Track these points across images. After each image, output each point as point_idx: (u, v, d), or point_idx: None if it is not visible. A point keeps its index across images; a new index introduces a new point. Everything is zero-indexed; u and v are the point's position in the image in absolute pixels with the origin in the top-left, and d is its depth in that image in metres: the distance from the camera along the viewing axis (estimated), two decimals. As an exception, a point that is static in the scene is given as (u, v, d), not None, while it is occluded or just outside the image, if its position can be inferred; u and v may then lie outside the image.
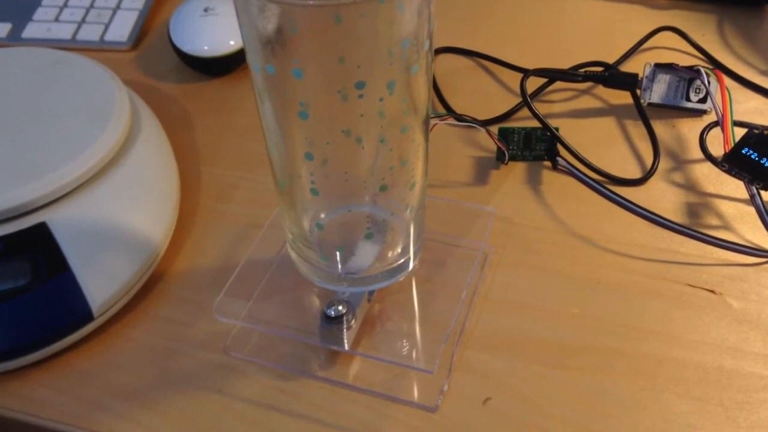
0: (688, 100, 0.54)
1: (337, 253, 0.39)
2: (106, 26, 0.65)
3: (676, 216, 0.48)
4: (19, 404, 0.40)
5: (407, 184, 0.37)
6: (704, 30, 0.62)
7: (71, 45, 0.63)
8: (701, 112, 0.54)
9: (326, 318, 0.39)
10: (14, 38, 0.64)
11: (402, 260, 0.40)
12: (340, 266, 0.39)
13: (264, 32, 0.31)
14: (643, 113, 0.54)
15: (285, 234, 0.41)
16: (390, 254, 0.40)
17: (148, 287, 0.44)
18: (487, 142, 0.53)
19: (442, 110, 0.56)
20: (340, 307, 0.39)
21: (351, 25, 0.31)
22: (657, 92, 0.54)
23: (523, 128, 0.51)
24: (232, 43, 0.59)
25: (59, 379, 0.41)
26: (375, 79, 0.32)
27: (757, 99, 0.56)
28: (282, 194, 0.38)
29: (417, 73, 0.33)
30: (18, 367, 0.41)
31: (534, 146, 0.51)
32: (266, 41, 0.32)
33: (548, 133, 0.51)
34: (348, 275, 0.40)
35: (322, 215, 0.38)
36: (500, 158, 0.51)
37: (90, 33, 0.64)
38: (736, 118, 0.50)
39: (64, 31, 0.64)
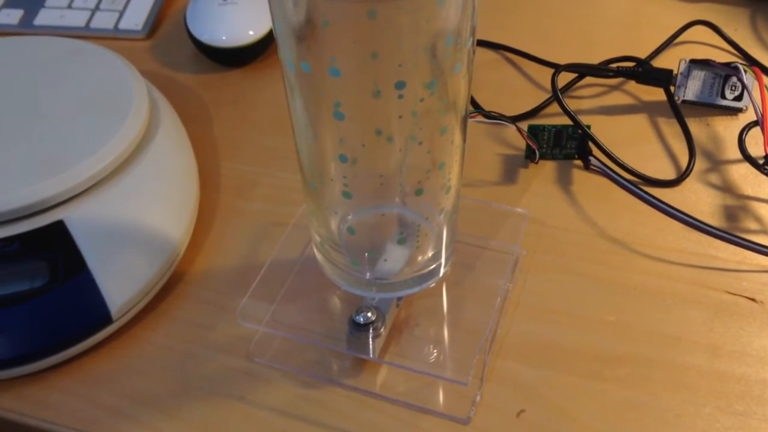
0: (723, 97, 0.52)
1: (367, 257, 0.38)
2: (121, 14, 0.63)
3: (713, 219, 0.46)
4: (34, 410, 0.39)
5: (443, 188, 0.35)
6: (736, 24, 0.61)
7: (85, 33, 0.62)
8: (736, 111, 0.53)
9: (354, 325, 0.38)
10: (26, 25, 0.62)
11: (433, 265, 0.39)
12: (369, 271, 0.38)
13: (299, 27, 0.30)
14: (678, 111, 0.52)
15: (312, 236, 0.39)
16: (421, 259, 0.38)
17: (168, 288, 0.43)
18: (515, 139, 0.51)
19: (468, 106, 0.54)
20: (369, 314, 0.38)
21: (387, 20, 0.29)
22: (692, 89, 0.52)
23: (554, 126, 0.49)
24: (251, 33, 0.57)
25: (76, 384, 0.39)
26: (415, 78, 0.30)
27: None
28: (311, 196, 0.37)
29: (459, 72, 0.31)
30: (34, 372, 0.39)
31: (565, 144, 0.49)
32: (301, 37, 0.30)
33: (579, 131, 0.49)
34: (377, 280, 0.38)
35: (353, 218, 0.37)
36: (530, 156, 0.50)
37: (104, 21, 0.62)
38: (772, 117, 0.48)
39: (78, 19, 0.63)
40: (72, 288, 0.39)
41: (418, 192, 0.34)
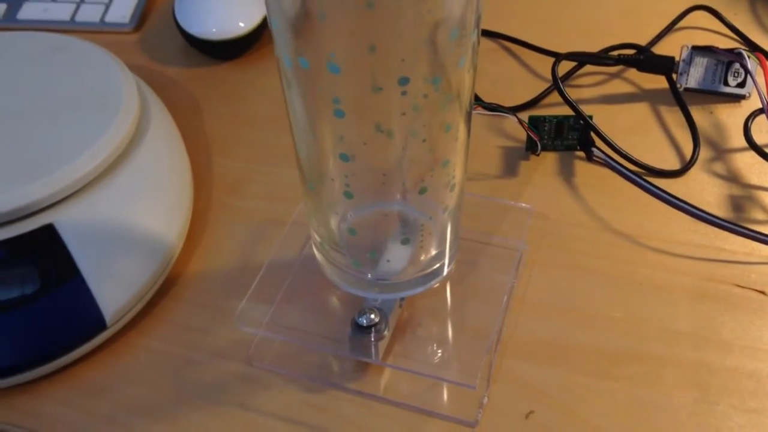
0: (726, 84, 0.51)
1: (369, 257, 0.36)
2: (107, 6, 0.61)
3: (719, 210, 0.45)
4: (27, 421, 0.37)
5: (447, 186, 0.34)
6: (736, 9, 0.59)
7: (70, 27, 0.60)
8: (740, 98, 0.52)
9: (357, 327, 0.37)
10: (9, 20, 0.61)
11: (437, 264, 0.37)
12: (371, 271, 0.37)
13: (296, 21, 0.28)
14: (680, 99, 0.51)
15: (311, 235, 0.38)
16: (424, 258, 0.37)
17: (163, 292, 0.42)
18: (514, 130, 0.50)
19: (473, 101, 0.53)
20: (372, 316, 0.37)
21: (387, 11, 0.28)
22: (694, 76, 0.51)
23: (555, 116, 0.48)
24: (242, 24, 0.56)
25: (70, 393, 0.38)
26: (419, 74, 0.29)
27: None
28: (310, 195, 0.35)
29: (464, 66, 0.30)
30: (26, 381, 0.38)
31: (566, 135, 0.48)
32: (298, 32, 0.29)
33: (581, 122, 0.48)
34: (379, 281, 0.37)
35: (354, 217, 0.35)
36: (530, 148, 0.49)
37: (90, 13, 0.61)
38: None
39: (63, 12, 0.61)
40: (64, 294, 0.38)
41: (422, 191, 0.33)
